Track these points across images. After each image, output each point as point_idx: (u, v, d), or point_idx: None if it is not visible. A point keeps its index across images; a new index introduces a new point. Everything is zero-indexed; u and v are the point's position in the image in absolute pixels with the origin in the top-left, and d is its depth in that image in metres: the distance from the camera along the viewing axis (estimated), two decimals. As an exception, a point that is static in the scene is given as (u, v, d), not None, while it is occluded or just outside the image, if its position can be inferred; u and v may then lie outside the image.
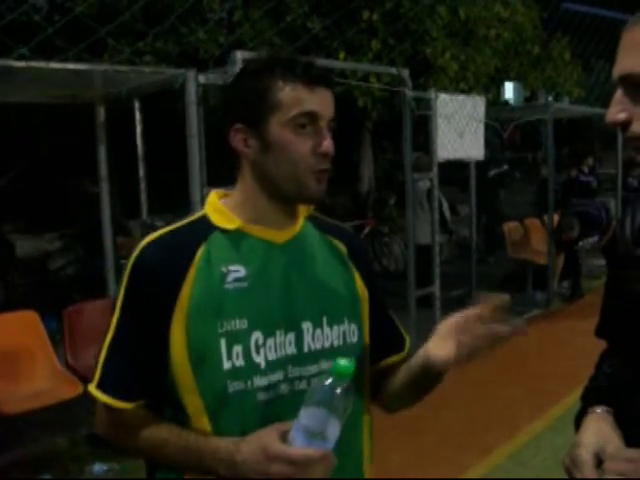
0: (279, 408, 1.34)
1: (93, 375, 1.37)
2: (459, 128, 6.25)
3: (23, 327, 4.70)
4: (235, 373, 1.32)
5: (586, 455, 1.26)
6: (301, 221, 1.49)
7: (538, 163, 10.31)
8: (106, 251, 5.43)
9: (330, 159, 1.39)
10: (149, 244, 1.38)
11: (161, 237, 1.39)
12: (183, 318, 1.32)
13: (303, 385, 1.38)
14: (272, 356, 1.36)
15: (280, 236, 1.44)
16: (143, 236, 1.44)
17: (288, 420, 1.25)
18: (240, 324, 1.34)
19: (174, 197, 7.21)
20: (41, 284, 7.74)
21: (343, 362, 1.21)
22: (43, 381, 4.52)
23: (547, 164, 8.19)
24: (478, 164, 8.03)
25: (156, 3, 6.05)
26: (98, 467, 4.25)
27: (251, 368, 1.33)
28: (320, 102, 1.37)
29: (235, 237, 1.40)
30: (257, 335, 1.35)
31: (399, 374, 1.54)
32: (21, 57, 4.00)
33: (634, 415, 1.30)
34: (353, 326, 1.48)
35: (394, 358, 1.60)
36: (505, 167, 11.10)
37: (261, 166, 1.38)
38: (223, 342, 1.32)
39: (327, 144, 1.37)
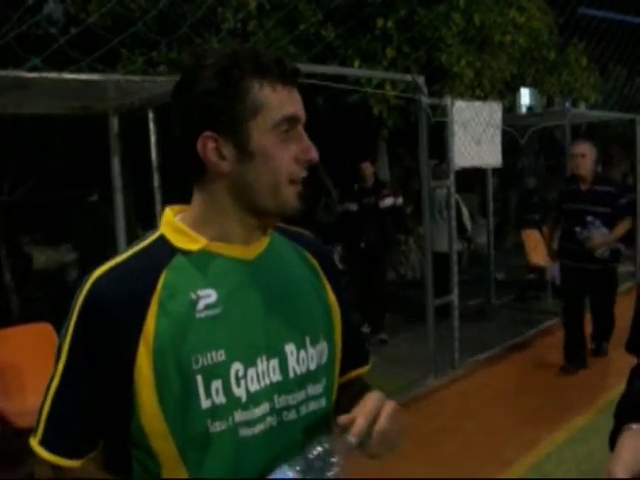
0: (267, 444, 1.23)
1: (34, 426, 1.23)
2: (476, 135, 6.18)
3: (38, 340, 4.69)
4: (216, 412, 1.19)
5: (621, 474, 1.22)
6: (268, 235, 1.35)
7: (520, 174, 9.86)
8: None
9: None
10: (100, 277, 1.21)
11: (113, 268, 1.22)
12: (149, 356, 1.17)
13: (292, 415, 1.27)
14: (255, 387, 1.23)
15: (249, 252, 1.29)
16: None
17: (276, 456, 1.19)
18: (217, 356, 1.19)
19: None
20: (57, 296, 7.74)
21: None
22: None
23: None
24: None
25: (169, 13, 6.05)
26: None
27: (233, 404, 1.20)
28: (299, 104, 1.25)
29: (200, 258, 1.24)
30: (237, 366, 1.21)
31: (347, 394, 1.42)
32: (34, 68, 4.00)
33: None
34: (326, 344, 1.36)
35: (359, 371, 1.52)
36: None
37: (237, 178, 1.22)
38: (199, 379, 1.18)
39: (312, 150, 1.25)
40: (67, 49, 4.36)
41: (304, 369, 1.30)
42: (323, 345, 1.35)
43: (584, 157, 5.94)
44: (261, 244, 1.32)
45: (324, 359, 1.35)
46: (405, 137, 11.12)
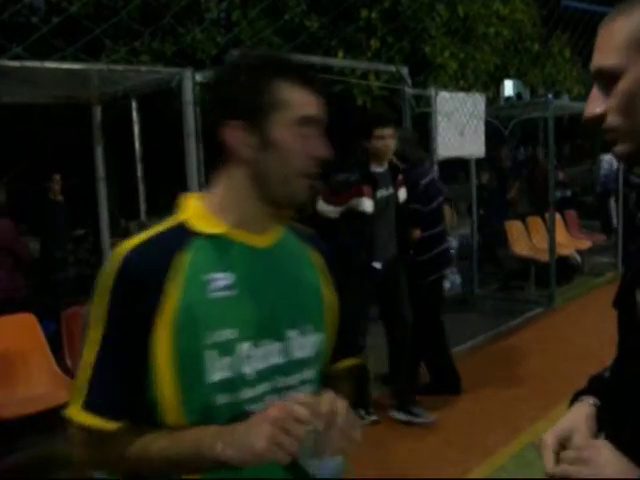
0: None
1: (72, 399, 1.29)
2: (459, 126, 6.21)
3: (21, 330, 4.67)
4: (224, 385, 1.28)
5: (550, 440, 1.27)
6: (281, 228, 1.47)
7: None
8: (104, 253, 5.39)
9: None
10: (131, 252, 1.29)
11: (142, 245, 1.31)
12: (168, 331, 1.26)
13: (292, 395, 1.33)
14: (260, 366, 1.32)
15: (263, 241, 1.40)
16: None
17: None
18: (229, 334, 1.29)
19: (172, 198, 7.20)
20: (40, 286, 7.69)
21: None
22: (41, 385, 4.49)
23: (549, 161, 8.14)
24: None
25: (153, 3, 6.01)
26: (99, 473, 4.20)
27: (240, 380, 1.29)
28: (319, 107, 1.37)
29: (220, 243, 1.34)
30: (246, 345, 1.30)
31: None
32: (16, 57, 3.97)
33: (616, 411, 1.29)
34: (323, 335, 1.46)
35: (348, 362, 1.61)
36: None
37: (257, 165, 1.34)
38: (213, 354, 1.27)
39: (326, 148, 1.37)
40: (50, 38, 4.32)
41: (303, 354, 1.40)
42: (320, 336, 1.45)
43: None
44: (274, 235, 1.43)
45: (319, 348, 1.45)
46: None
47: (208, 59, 6.01)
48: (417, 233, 5.17)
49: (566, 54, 10.64)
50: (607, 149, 10.08)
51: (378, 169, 4.71)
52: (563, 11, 9.69)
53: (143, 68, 4.41)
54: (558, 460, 1.24)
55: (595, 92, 1.21)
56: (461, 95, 6.50)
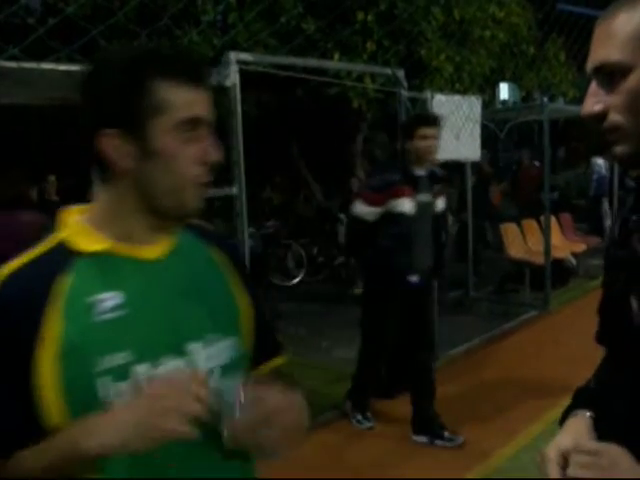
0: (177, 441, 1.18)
1: None
2: (455, 129, 6.21)
3: None
4: None
5: (553, 453, 1.25)
6: (176, 233, 1.34)
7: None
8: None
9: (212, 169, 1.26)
10: (8, 278, 1.19)
11: (20, 269, 1.20)
12: (51, 361, 1.15)
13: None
14: None
15: (156, 252, 1.29)
16: None
17: (188, 453, 1.19)
18: (122, 358, 1.18)
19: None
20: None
21: None
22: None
23: (545, 164, 8.16)
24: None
25: (149, 4, 6.01)
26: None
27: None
28: (206, 105, 1.24)
29: (105, 260, 1.23)
30: (142, 367, 1.20)
31: None
32: (12, 58, 3.96)
33: (613, 419, 1.30)
34: (236, 340, 1.36)
35: (273, 363, 1.53)
36: None
37: (141, 176, 1.21)
38: (103, 382, 1.17)
39: (215, 153, 1.25)
40: (46, 39, 4.31)
41: (212, 365, 1.30)
42: (232, 342, 1.35)
43: None
44: (167, 243, 1.31)
45: (234, 355, 1.35)
46: (383, 130, 11.15)
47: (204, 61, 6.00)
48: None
49: (561, 58, 10.67)
50: (599, 152, 10.15)
51: (420, 172, 4.48)
52: (558, 15, 9.71)
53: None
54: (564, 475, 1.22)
55: (595, 88, 1.17)
56: (457, 98, 6.50)
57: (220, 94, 5.90)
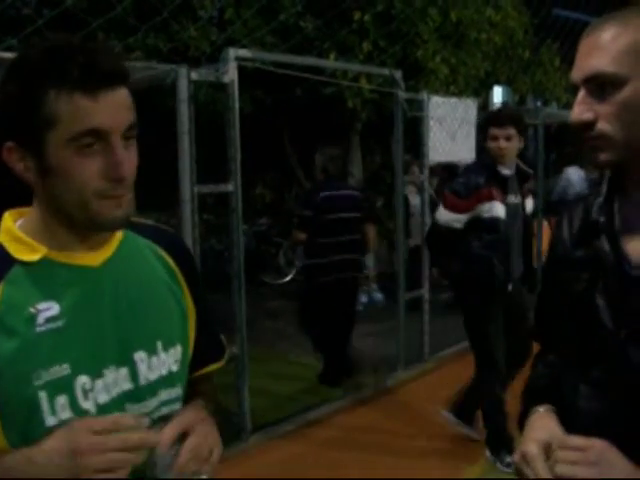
0: None
1: None
2: (451, 131, 6.22)
3: None
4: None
5: (535, 450, 1.25)
6: (118, 234, 1.28)
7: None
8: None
9: (131, 182, 1.17)
10: None
11: None
12: None
13: (145, 423, 1.20)
14: (104, 398, 1.19)
15: (95, 258, 1.23)
16: None
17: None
18: (61, 370, 1.14)
19: (161, 196, 7.14)
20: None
21: None
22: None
23: (539, 169, 8.18)
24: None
25: (147, -2, 5.98)
26: None
27: (80, 417, 1.14)
28: (108, 113, 1.11)
29: (41, 268, 1.17)
30: (83, 379, 1.16)
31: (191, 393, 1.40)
32: (9, 49, 3.93)
33: (577, 408, 1.32)
34: (180, 347, 1.33)
35: (211, 367, 1.49)
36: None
37: (46, 191, 1.15)
38: (43, 395, 1.12)
39: (122, 167, 1.13)
40: (43, 31, 4.28)
41: (156, 375, 1.27)
42: (178, 349, 1.32)
43: None
44: (108, 248, 1.26)
45: (179, 363, 1.32)
46: (377, 131, 11.15)
47: (202, 57, 5.98)
48: (301, 236, 5.52)
49: (556, 62, 10.70)
50: (574, 161, 10.13)
51: (506, 171, 4.13)
52: (554, 20, 9.75)
53: (139, 64, 4.38)
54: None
55: (584, 96, 1.22)
56: (453, 100, 6.52)
57: (218, 90, 5.89)
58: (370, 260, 6.57)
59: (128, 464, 1.08)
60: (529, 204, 4.31)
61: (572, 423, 1.29)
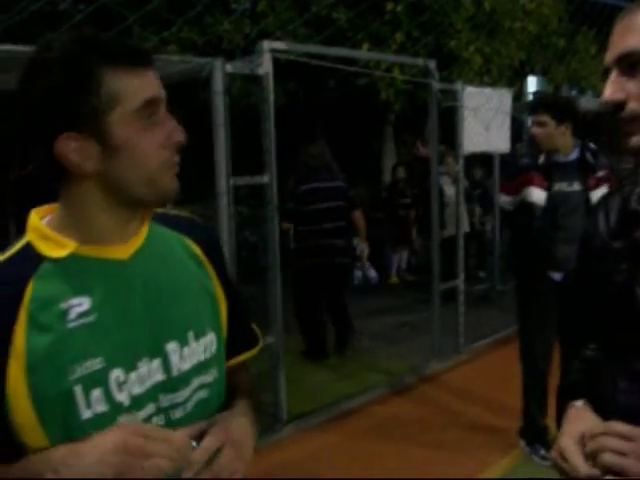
0: None
1: None
2: (485, 121, 6.18)
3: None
4: (97, 420, 1.14)
5: (572, 443, 1.22)
6: (146, 225, 1.28)
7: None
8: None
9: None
10: None
11: None
12: (22, 373, 1.11)
13: (179, 413, 1.24)
14: (138, 390, 1.19)
15: (125, 250, 1.23)
16: None
17: None
18: (94, 365, 1.14)
19: (196, 188, 7.20)
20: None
21: None
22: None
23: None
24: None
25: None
26: None
27: (116, 410, 1.16)
28: (156, 84, 1.17)
29: (70, 264, 1.17)
30: (117, 372, 1.17)
31: (231, 381, 1.41)
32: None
33: (616, 403, 1.28)
34: (213, 334, 1.33)
35: (244, 356, 1.48)
36: None
37: (108, 175, 1.15)
38: (78, 389, 1.13)
39: (179, 132, 1.19)
40: (82, 26, 4.34)
41: (188, 365, 1.27)
42: (211, 337, 1.32)
43: None
44: (137, 239, 1.25)
45: (213, 350, 1.32)
46: (410, 122, 11.11)
47: (236, 50, 6.01)
48: (286, 226, 6.17)
49: (592, 50, 10.54)
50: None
51: (559, 158, 3.99)
52: (591, 7, 9.59)
53: (174, 57, 4.42)
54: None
55: (616, 76, 1.18)
56: (487, 90, 6.47)
57: (251, 83, 5.92)
58: (361, 243, 6.99)
59: (163, 474, 1.11)
60: (595, 194, 3.94)
61: (610, 419, 1.25)
